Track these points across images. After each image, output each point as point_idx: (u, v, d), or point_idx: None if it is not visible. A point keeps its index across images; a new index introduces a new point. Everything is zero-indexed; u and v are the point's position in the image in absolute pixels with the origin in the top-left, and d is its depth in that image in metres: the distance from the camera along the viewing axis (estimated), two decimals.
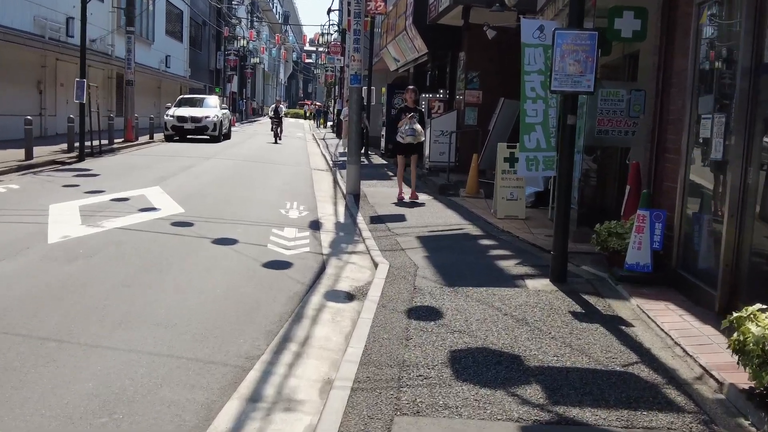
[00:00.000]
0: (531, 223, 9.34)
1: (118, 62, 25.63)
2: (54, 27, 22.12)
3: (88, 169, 14.02)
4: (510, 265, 6.82)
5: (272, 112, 28.63)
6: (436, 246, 7.80)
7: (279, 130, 27.81)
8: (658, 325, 5.00)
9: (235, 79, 55.34)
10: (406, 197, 11.43)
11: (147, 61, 33.23)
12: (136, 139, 23.06)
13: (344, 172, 16.13)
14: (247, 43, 54.66)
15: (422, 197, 12.06)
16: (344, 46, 41.87)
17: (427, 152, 14.34)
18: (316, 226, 9.12)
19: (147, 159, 17.13)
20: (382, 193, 12.38)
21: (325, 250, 7.63)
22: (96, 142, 17.93)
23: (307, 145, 27.69)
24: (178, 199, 10.28)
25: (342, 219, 9.90)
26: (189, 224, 8.42)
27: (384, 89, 21.60)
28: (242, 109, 57.72)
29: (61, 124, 20.59)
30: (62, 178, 12.52)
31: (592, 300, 5.64)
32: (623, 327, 4.99)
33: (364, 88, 14.56)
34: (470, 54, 14.30)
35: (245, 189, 12.32)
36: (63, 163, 15.14)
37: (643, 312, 5.30)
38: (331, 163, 18.69)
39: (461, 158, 13.08)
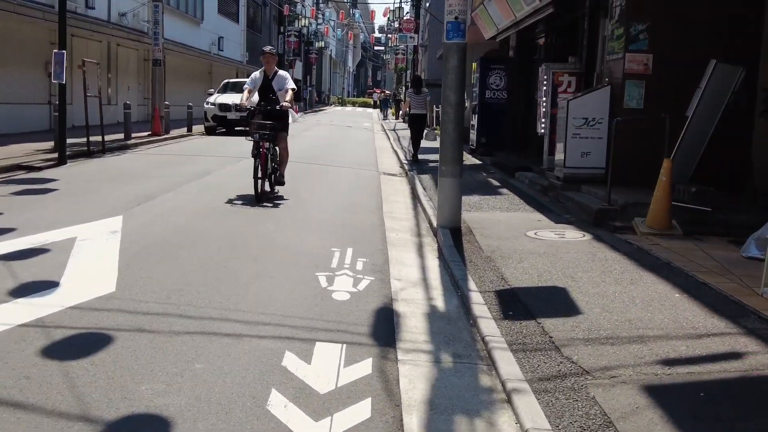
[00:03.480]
0: None
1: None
2: None
3: (52, 180, 9.48)
4: None
5: (248, 93, 8.57)
6: None
7: (274, 154, 8.66)
8: None
9: (299, 64, 51.07)
10: None
11: (194, 42, 29.08)
12: (167, 133, 18.71)
13: (424, 178, 11.13)
14: (309, 23, 50.18)
15: (571, 234, 6.90)
16: (418, 22, 36.73)
17: (562, 156, 9.10)
18: (385, 332, 4.11)
19: (155, 161, 12.55)
20: (498, 224, 7.26)
21: None
22: (98, 138, 13.54)
23: (374, 138, 22.83)
24: (132, 251, 5.50)
25: (439, 300, 4.85)
26: (93, 342, 3.58)
27: (475, 64, 16.38)
28: (306, 98, 53.41)
29: (78, 115, 16.35)
30: None
31: None
32: None
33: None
34: None
35: (273, 221, 7.46)
36: (30, 168, 10.72)
37: None
38: (405, 163, 13.72)
39: (619, 163, 7.86)
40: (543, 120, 10.83)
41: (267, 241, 6.25)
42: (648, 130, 8.61)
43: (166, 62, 26.49)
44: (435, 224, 7.17)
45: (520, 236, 6.73)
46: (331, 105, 68.77)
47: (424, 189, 9.90)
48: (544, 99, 10.78)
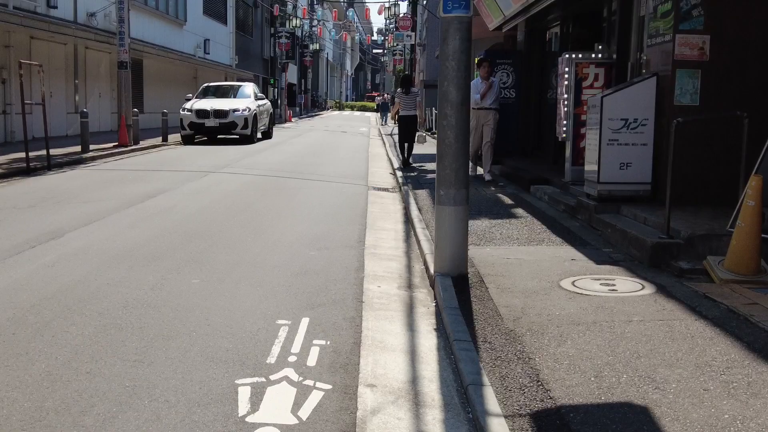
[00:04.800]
0: None
1: (132, 44, 18.66)
2: None
3: None
4: None
5: None
6: None
7: None
8: None
9: (293, 68, 49.20)
10: None
11: (177, 45, 27.15)
12: (136, 143, 16.75)
13: (421, 195, 9.17)
14: (302, 24, 48.25)
15: (623, 283, 4.91)
16: (415, 19, 34.79)
17: (594, 167, 7.11)
18: None
19: (102, 179, 10.59)
20: (520, 267, 5.26)
21: None
22: (42, 152, 11.66)
23: (369, 144, 20.92)
24: None
25: None
26: None
27: (478, 60, 14.39)
28: (301, 103, 51.55)
29: (38, 125, 14.40)
30: None
31: None
32: None
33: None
34: None
35: (204, 269, 5.48)
36: None
37: None
38: (400, 175, 11.76)
39: (675, 177, 5.87)
40: (564, 122, 8.85)
41: (186, 312, 4.28)
42: (708, 134, 6.66)
43: (144, 66, 24.72)
44: (432, 268, 5.21)
45: (553, 288, 4.74)
46: (328, 109, 66.83)
47: (420, 210, 7.94)
48: (566, 96, 8.81)
